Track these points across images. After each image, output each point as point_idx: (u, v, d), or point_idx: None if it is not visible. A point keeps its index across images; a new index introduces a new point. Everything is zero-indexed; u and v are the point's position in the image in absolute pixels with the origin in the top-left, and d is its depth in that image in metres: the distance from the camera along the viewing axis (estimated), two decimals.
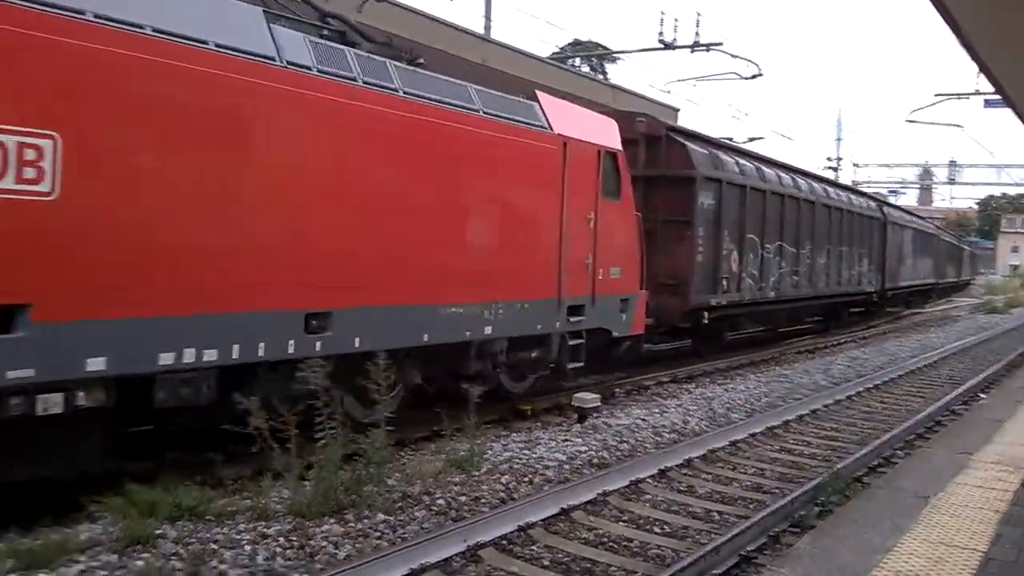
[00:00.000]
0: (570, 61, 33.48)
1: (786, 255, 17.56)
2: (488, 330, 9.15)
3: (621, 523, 6.63)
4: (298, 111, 6.93)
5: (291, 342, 6.91)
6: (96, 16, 5.61)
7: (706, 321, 14.43)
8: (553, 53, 32.59)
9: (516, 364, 10.11)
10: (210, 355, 6.30)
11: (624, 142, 11.85)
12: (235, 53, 6.47)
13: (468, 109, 8.83)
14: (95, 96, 5.62)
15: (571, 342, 10.62)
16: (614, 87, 28.09)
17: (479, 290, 9.02)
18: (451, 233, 8.73)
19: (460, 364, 9.19)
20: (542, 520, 6.34)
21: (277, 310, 6.83)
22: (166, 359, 6.03)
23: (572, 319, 10.46)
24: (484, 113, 9.04)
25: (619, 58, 38.52)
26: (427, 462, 7.72)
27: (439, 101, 8.44)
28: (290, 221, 6.92)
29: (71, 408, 5.56)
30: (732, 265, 15.17)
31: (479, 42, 20.73)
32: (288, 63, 6.90)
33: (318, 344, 7.10)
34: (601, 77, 36.69)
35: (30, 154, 5.23)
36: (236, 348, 6.48)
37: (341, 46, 7.81)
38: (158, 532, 5.49)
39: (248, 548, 5.46)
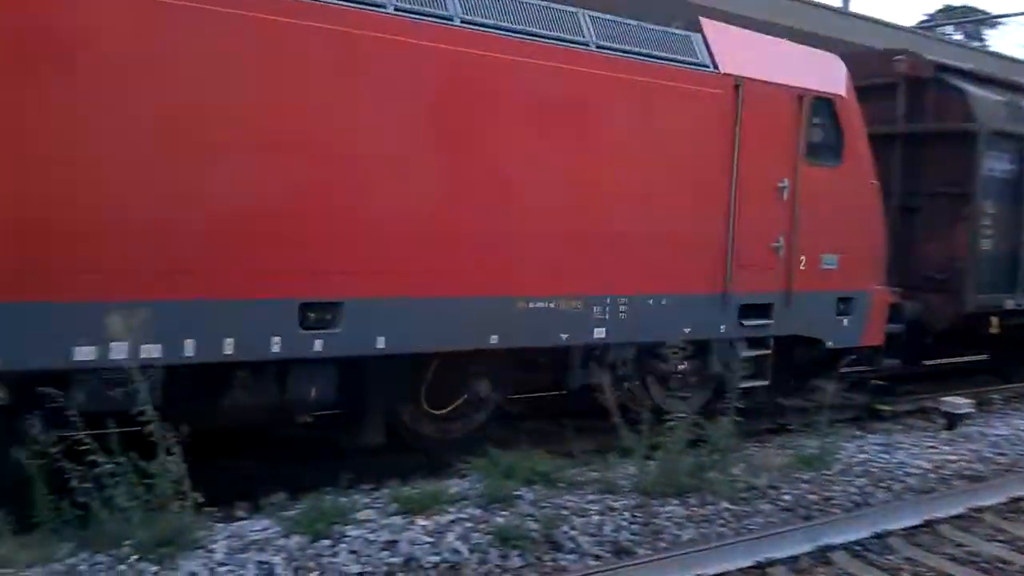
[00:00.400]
0: (940, 30, 30.41)
1: None
2: (600, 333, 7.14)
3: (996, 543, 5.93)
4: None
5: None
6: None
7: (995, 330, 10.59)
8: (920, 22, 29.82)
9: (662, 377, 7.60)
10: None
11: (877, 89, 9.68)
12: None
13: (577, 44, 7.00)
14: None
15: (747, 353, 8.10)
16: (996, 56, 25.07)
17: (582, 280, 7.02)
18: (537, 203, 6.75)
19: (560, 374, 7.58)
20: (902, 529, 5.86)
21: None
22: None
23: (748, 322, 8.02)
24: (599, 49, 7.07)
25: (1001, 23, 34.24)
26: (773, 455, 7.47)
27: (534, 35, 6.77)
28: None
29: None
30: None
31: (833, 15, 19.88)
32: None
33: None
34: (977, 45, 32.88)
35: None
36: None
37: None
38: (516, 493, 5.87)
39: (596, 518, 5.66)
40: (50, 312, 4.95)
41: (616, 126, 7.16)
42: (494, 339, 6.60)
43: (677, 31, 7.79)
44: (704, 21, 8.05)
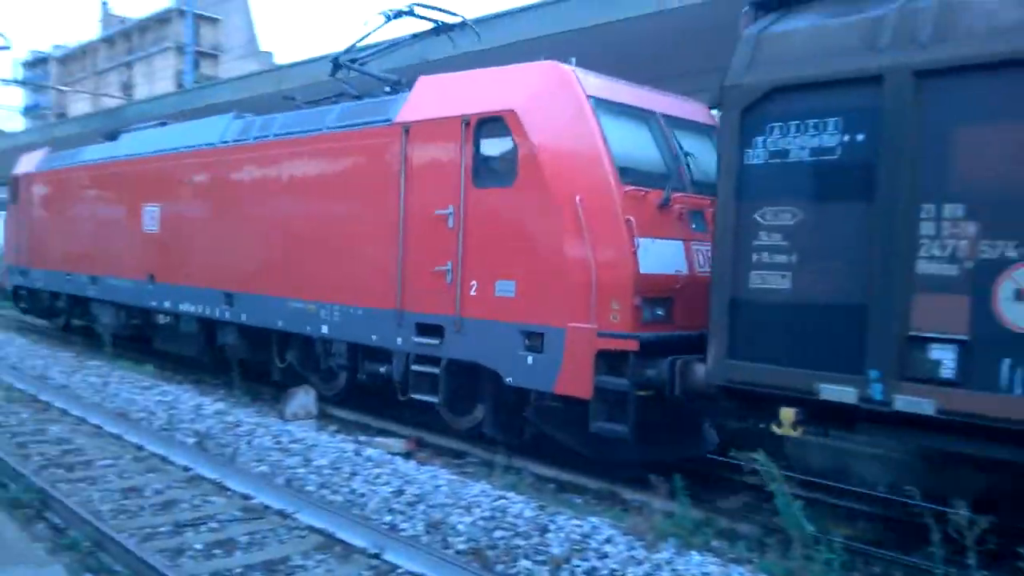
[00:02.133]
0: None
1: None
2: (326, 329, 9.88)
3: None
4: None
5: None
6: None
7: (790, 432, 6.23)
8: None
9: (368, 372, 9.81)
10: None
11: None
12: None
13: (305, 131, 10.40)
14: None
15: (417, 367, 8.74)
16: None
17: (313, 290, 10.05)
18: (281, 238, 10.77)
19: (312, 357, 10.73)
20: None
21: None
22: None
23: (421, 339, 8.62)
24: (312, 131, 10.27)
25: None
26: None
27: (291, 132, 10.68)
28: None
29: None
30: None
31: None
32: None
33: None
34: None
35: None
36: None
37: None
38: None
39: None
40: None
41: (327, 181, 10.06)
42: (280, 323, 10.68)
43: (372, 100, 10.12)
44: (421, 79, 9.32)
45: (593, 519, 6.39)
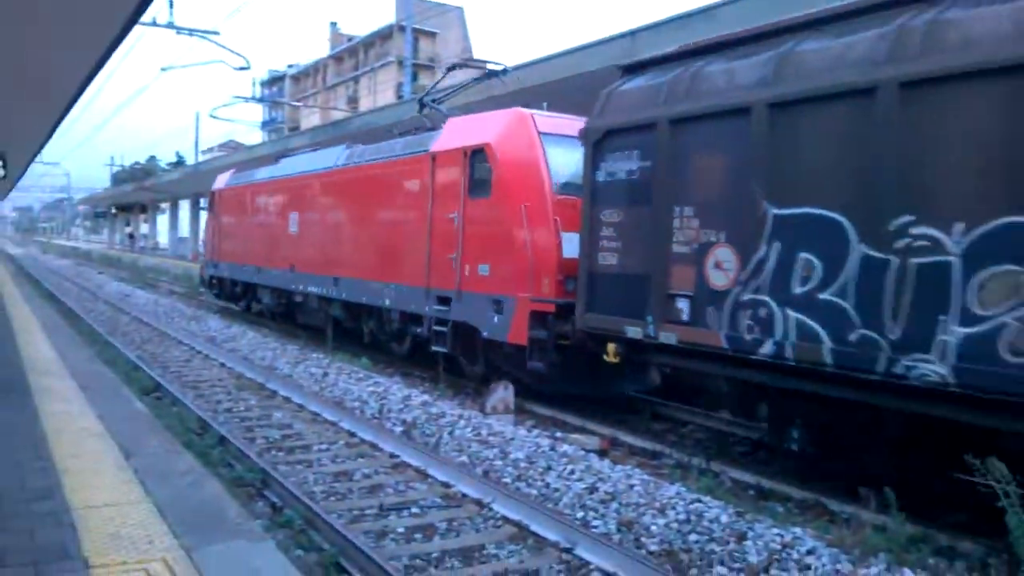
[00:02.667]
0: None
1: None
2: (387, 301, 13.63)
3: None
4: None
5: None
6: None
7: (612, 359, 9.37)
8: None
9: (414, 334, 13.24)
10: None
11: None
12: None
13: (382, 157, 14.24)
14: None
15: (436, 328, 12.10)
16: None
17: (380, 274, 13.85)
18: (363, 234, 14.76)
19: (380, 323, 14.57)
20: None
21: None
22: None
23: (438, 307, 12.05)
24: (386, 157, 14.04)
25: None
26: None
27: (373, 159, 14.62)
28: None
29: None
30: None
31: None
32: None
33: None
34: None
35: None
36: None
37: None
38: None
39: None
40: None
41: (391, 194, 13.70)
42: (364, 299, 14.38)
43: (418, 135, 13.71)
44: (448, 120, 12.99)
45: (795, 529, 6.07)
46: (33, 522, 4.57)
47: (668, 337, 8.29)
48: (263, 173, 20.44)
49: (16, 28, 7.88)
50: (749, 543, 5.81)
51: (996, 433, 6.01)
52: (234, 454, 8.05)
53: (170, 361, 14.02)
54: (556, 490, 7.09)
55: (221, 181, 23.37)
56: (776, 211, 7.26)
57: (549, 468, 7.58)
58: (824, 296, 6.81)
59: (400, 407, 10.09)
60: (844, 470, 7.48)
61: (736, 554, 5.69)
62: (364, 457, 8.39)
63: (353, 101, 75.24)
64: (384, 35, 74.43)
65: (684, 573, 5.53)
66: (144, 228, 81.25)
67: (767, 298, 7.30)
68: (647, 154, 8.62)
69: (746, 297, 7.50)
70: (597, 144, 9.30)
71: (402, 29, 52.17)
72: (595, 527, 6.31)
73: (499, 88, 14.65)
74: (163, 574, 3.90)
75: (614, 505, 6.65)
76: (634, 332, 8.69)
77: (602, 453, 8.69)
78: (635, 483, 7.04)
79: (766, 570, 5.46)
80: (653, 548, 5.94)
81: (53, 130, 16.60)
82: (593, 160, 9.36)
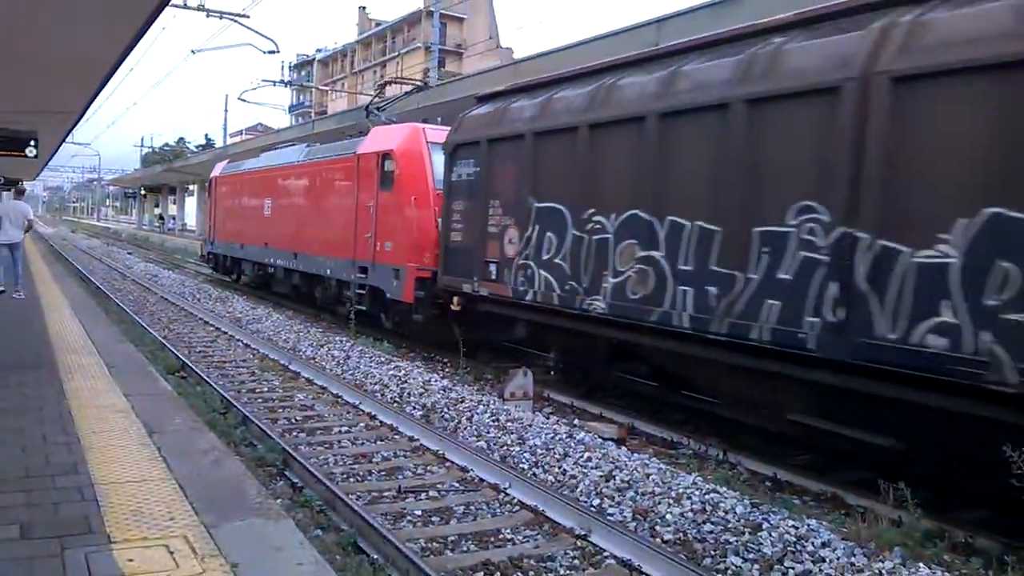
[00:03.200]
0: None
1: None
2: (326, 271, 17.12)
3: None
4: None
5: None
6: None
7: (456, 308, 13.02)
8: None
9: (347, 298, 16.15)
10: None
11: None
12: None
13: (327, 156, 18.06)
14: None
15: (358, 291, 15.46)
16: None
17: (323, 250, 17.30)
18: (313, 217, 18.13)
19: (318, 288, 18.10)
20: None
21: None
22: None
23: (359, 276, 15.44)
24: (329, 156, 17.89)
25: None
26: None
27: (320, 157, 18.41)
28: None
29: None
30: None
31: None
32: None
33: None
34: None
35: None
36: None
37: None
38: None
39: None
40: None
41: (329, 186, 17.50)
42: (313, 269, 17.91)
43: (348, 140, 17.69)
44: (372, 129, 16.66)
45: (811, 521, 6.06)
46: (58, 497, 4.67)
47: (483, 290, 11.64)
48: (247, 164, 24.31)
49: (48, 7, 7.98)
50: (764, 534, 5.82)
51: (640, 346, 9.33)
52: (256, 434, 8.16)
53: (195, 341, 14.19)
54: (573, 477, 7.13)
55: (217, 170, 26.89)
56: (536, 204, 10.53)
57: (566, 455, 7.62)
58: (556, 260, 10.06)
59: (420, 391, 10.16)
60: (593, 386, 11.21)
61: (751, 545, 5.70)
62: (384, 440, 8.47)
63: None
64: (412, 20, 74.38)
65: (698, 562, 5.55)
66: (172, 209, 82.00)
67: (531, 262, 10.58)
68: (477, 163, 11.87)
69: (521, 262, 10.79)
70: (451, 154, 12.58)
71: (430, 14, 52.10)
72: (611, 515, 6.34)
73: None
74: (184, 550, 3.98)
75: (630, 493, 6.68)
76: (467, 287, 11.98)
77: (619, 441, 8.72)
78: (651, 472, 7.06)
79: (780, 561, 5.46)
80: (668, 537, 5.96)
81: (84, 111, 16.80)
82: (449, 165, 12.64)
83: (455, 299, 12.56)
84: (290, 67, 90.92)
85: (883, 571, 5.23)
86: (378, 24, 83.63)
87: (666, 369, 9.65)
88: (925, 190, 6.16)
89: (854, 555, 5.49)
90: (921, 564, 5.34)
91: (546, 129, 10.39)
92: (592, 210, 9.40)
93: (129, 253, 40.30)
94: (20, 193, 17.25)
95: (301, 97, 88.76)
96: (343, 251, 16.10)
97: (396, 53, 76.30)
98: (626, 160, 9.05)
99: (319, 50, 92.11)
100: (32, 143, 18.36)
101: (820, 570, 5.33)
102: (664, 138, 8.55)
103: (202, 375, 10.76)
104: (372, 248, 14.96)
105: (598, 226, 9.30)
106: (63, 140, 25.30)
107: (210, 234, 26.97)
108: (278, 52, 25.25)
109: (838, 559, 5.43)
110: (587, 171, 9.53)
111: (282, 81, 41.71)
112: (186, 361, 11.65)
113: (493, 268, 11.33)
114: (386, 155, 14.77)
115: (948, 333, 5.93)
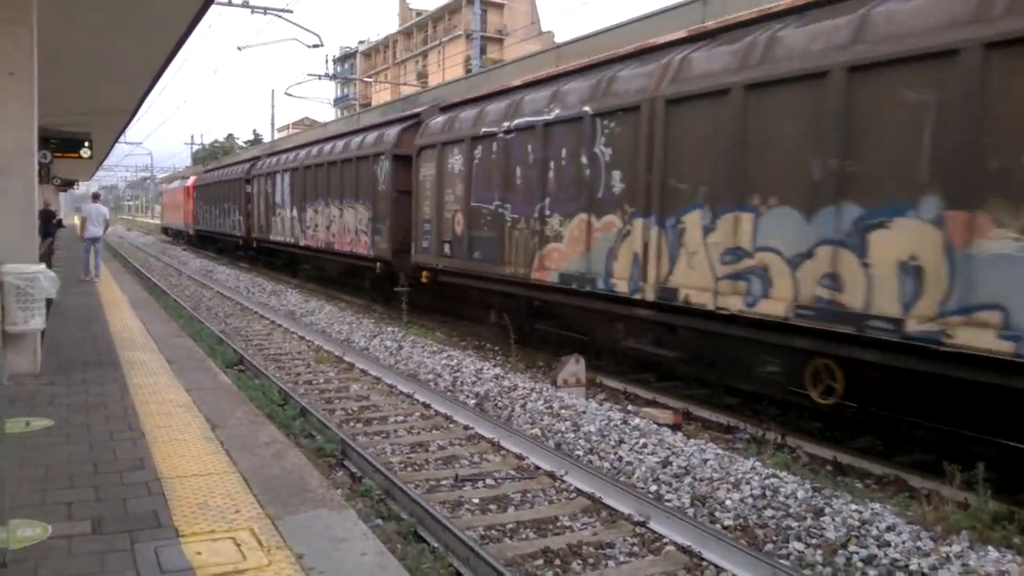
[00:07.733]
0: None
1: None
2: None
3: None
4: None
5: None
6: None
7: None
8: None
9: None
10: None
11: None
12: None
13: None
14: None
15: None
16: None
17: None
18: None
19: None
20: None
21: None
22: None
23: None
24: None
25: None
26: None
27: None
28: None
29: None
30: None
31: None
32: None
33: None
34: None
35: None
36: None
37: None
38: None
39: None
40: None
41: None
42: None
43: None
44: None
45: (874, 505, 5.96)
46: (126, 492, 4.77)
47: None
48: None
49: (100, 11, 8.13)
50: (827, 519, 5.73)
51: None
52: (314, 425, 8.26)
53: (252, 335, 14.42)
54: (629, 463, 7.10)
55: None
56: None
57: (621, 442, 7.59)
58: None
59: (473, 380, 10.20)
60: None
61: (813, 530, 5.62)
62: (439, 429, 8.52)
63: (422, 76, 75.49)
64: (452, 8, 74.29)
65: (760, 548, 5.49)
66: None
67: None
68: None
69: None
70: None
71: (470, 2, 51.97)
72: (668, 501, 6.31)
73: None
74: (250, 542, 4.04)
75: (687, 479, 6.63)
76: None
77: (675, 427, 8.65)
78: (709, 457, 6.99)
79: (844, 546, 5.38)
80: (728, 523, 5.91)
81: (136, 110, 17.11)
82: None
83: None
84: (334, 60, 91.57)
85: (950, 555, 5.12)
86: (419, 14, 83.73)
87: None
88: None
89: (920, 539, 5.38)
90: (990, 547, 5.22)
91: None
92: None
93: (183, 249, 41.04)
94: (96, 197, 19.43)
95: (345, 90, 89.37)
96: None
97: (437, 42, 76.34)
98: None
99: (361, 42, 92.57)
100: (86, 144, 18.83)
101: (885, 554, 5.23)
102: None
103: (260, 368, 10.93)
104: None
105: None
106: (116, 140, 25.83)
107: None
108: (322, 46, 25.48)
109: (904, 543, 5.32)
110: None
111: (325, 74, 42.00)
112: (244, 355, 11.84)
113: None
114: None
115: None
